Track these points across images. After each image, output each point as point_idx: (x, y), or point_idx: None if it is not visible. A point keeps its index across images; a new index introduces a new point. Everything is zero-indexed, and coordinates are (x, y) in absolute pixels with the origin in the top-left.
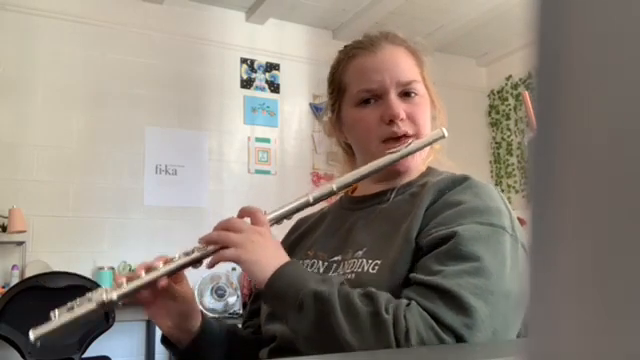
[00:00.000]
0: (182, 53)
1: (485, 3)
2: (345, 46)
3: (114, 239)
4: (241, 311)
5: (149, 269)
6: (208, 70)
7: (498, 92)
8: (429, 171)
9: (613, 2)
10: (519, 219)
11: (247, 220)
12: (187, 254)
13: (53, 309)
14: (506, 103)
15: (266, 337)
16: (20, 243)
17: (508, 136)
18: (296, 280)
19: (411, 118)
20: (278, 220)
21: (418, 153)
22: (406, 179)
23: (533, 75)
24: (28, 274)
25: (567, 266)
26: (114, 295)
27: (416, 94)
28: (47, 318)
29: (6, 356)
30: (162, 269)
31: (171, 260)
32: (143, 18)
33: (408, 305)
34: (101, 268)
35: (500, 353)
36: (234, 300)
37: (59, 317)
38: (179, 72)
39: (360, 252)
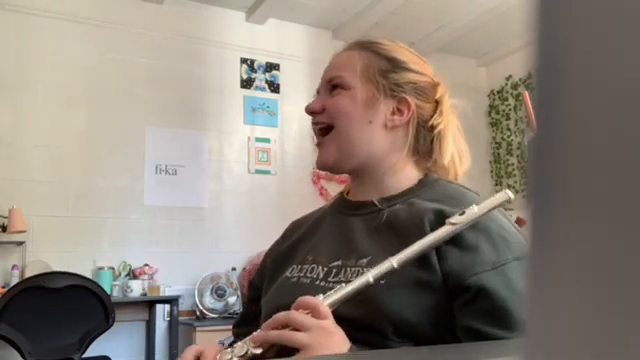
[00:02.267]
0: (182, 53)
1: (485, 3)
2: None
3: (114, 239)
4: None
5: None
6: (208, 70)
7: (498, 92)
8: (426, 179)
9: (613, 2)
10: (519, 219)
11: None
12: (242, 356)
13: (53, 309)
14: (506, 103)
15: None
16: (20, 243)
17: (508, 136)
18: None
19: (326, 110)
20: (338, 305)
21: (332, 147)
22: (399, 187)
23: (533, 75)
24: (28, 274)
25: (567, 267)
26: None
27: (339, 88)
28: (47, 318)
29: (6, 356)
30: None
31: None
32: (143, 18)
33: None
34: (101, 268)
35: (500, 353)
36: (234, 300)
37: None
38: (179, 72)
39: (364, 260)
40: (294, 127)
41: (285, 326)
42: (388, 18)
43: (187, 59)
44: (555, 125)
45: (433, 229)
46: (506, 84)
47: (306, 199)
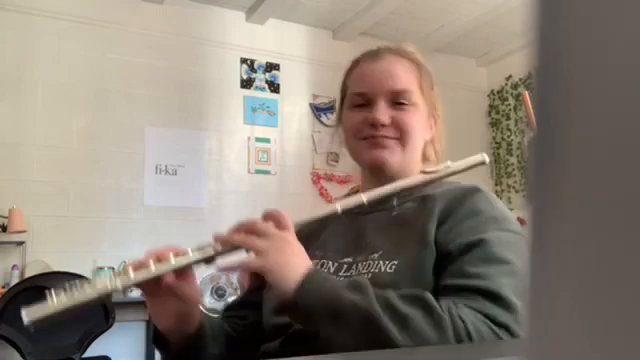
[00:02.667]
0: (182, 53)
1: (485, 3)
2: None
3: (114, 239)
4: None
5: (159, 260)
6: (208, 70)
7: (498, 92)
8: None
9: (613, 2)
10: (519, 219)
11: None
12: (201, 251)
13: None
14: (506, 103)
15: (273, 329)
16: (20, 243)
17: (508, 136)
18: (327, 292)
19: (396, 124)
20: (303, 228)
21: (398, 151)
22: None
23: (533, 75)
24: (28, 274)
25: (567, 266)
26: (119, 284)
27: (408, 103)
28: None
29: (6, 356)
30: (172, 264)
31: (183, 254)
32: (143, 18)
33: (457, 306)
34: (101, 268)
35: (500, 353)
36: (234, 300)
37: (57, 302)
38: (179, 72)
39: (375, 255)
40: (294, 127)
41: (249, 232)
42: (388, 18)
43: (187, 59)
44: (555, 125)
45: (441, 215)
46: (506, 84)
47: (306, 199)
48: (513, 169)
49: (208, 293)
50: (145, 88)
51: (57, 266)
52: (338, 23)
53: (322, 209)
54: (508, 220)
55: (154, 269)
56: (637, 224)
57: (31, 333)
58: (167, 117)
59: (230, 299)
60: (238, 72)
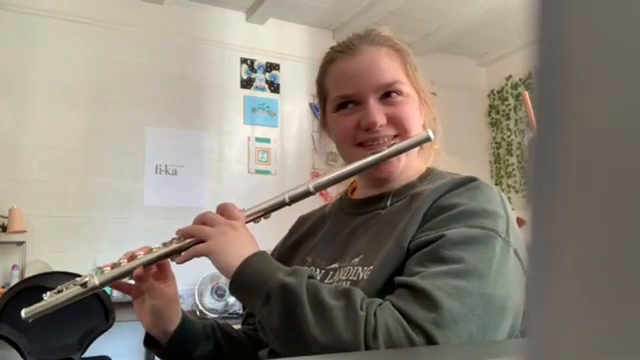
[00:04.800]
0: (182, 53)
1: (485, 3)
2: (330, 48)
3: (114, 239)
4: (241, 311)
5: (131, 258)
6: (208, 70)
7: (498, 92)
8: (429, 172)
9: (613, 2)
10: (519, 219)
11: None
12: (165, 245)
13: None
14: (506, 103)
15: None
16: (20, 243)
17: (508, 136)
18: (263, 271)
19: (393, 120)
20: (254, 218)
21: (403, 156)
22: (402, 182)
23: (533, 75)
24: (28, 274)
25: (567, 266)
26: (96, 281)
27: (399, 94)
28: (47, 318)
29: (6, 356)
30: (140, 259)
31: (151, 251)
32: (143, 18)
33: (381, 305)
34: (101, 268)
35: (500, 353)
36: (234, 300)
37: (49, 299)
38: (179, 72)
39: (357, 259)
40: (294, 127)
41: (201, 223)
42: (388, 18)
43: (187, 59)
44: (555, 125)
45: (428, 211)
46: (506, 84)
47: (306, 199)
48: (513, 169)
49: (208, 293)
50: (145, 88)
51: (57, 266)
52: (338, 23)
53: (272, 199)
54: (484, 214)
55: (125, 265)
56: (637, 224)
57: (31, 333)
58: (167, 117)
59: (230, 299)
60: (238, 72)
